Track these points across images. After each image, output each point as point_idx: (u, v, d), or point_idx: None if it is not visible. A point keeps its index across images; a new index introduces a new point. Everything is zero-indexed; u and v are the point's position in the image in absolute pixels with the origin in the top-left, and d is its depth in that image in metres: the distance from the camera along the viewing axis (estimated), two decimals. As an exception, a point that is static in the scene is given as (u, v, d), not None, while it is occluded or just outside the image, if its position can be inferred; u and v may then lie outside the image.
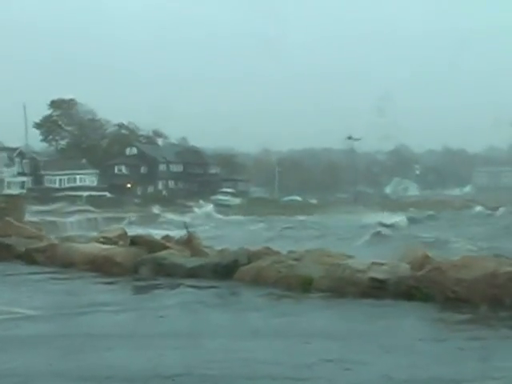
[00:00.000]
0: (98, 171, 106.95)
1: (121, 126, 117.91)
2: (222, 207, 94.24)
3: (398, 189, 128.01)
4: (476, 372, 6.53)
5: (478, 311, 9.16)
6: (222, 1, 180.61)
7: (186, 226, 16.79)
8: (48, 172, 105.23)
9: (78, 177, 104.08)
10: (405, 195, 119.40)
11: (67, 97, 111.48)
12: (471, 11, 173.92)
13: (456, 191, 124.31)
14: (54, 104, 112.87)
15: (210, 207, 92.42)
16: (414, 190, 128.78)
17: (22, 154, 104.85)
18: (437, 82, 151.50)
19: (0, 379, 6.67)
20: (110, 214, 69.37)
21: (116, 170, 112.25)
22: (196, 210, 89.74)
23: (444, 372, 6.54)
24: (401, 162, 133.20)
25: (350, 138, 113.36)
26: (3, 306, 10.42)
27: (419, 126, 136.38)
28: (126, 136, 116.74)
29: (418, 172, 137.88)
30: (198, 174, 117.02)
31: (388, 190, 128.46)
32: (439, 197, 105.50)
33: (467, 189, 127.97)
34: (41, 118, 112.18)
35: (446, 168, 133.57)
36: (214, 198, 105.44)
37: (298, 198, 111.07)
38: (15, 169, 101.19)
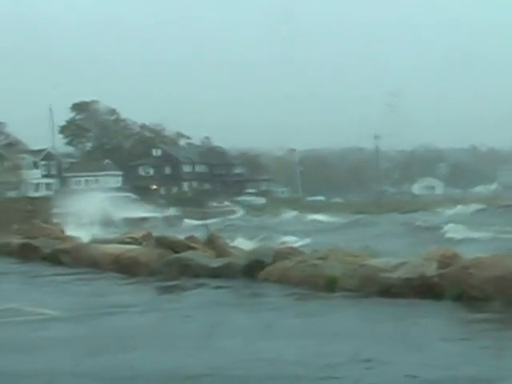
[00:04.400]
0: (122, 172, 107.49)
1: (143, 126, 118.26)
2: (247, 208, 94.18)
3: (423, 187, 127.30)
4: (499, 371, 6.48)
5: (503, 310, 9.08)
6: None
7: (206, 225, 16.79)
8: (74, 174, 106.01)
9: (102, 178, 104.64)
10: (432, 194, 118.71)
11: (89, 98, 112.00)
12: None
13: (482, 189, 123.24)
14: (77, 107, 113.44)
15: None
16: (439, 189, 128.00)
17: (48, 156, 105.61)
18: (461, 79, 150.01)
19: (26, 379, 6.75)
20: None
21: (140, 171, 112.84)
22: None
23: (468, 371, 6.49)
24: (426, 161, 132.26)
25: (376, 136, 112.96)
26: (30, 307, 10.52)
27: (444, 123, 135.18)
28: (149, 137, 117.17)
29: (443, 170, 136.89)
30: (222, 174, 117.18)
31: (414, 188, 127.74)
32: (466, 195, 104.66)
33: (493, 187, 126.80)
34: (64, 122, 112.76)
35: (472, 166, 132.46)
36: (239, 198, 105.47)
37: (322, 198, 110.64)
38: (41, 171, 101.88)
